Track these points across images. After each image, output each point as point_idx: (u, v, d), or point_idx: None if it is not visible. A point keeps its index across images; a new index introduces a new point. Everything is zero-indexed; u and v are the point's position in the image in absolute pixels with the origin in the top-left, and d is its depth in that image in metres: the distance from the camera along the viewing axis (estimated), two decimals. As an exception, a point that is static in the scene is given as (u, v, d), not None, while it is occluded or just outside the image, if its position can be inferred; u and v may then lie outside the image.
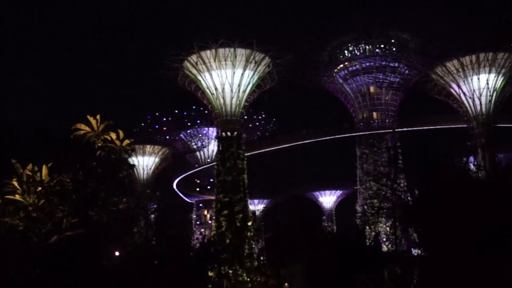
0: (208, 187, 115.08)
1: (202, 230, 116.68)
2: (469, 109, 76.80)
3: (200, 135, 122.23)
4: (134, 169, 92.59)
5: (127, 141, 15.21)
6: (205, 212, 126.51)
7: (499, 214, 28.31)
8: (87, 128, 14.84)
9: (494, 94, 75.28)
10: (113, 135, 15.02)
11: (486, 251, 26.90)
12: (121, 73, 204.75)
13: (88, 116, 14.98)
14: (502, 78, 75.06)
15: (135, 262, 25.40)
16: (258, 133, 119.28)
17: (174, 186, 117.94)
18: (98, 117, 14.97)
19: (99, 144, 14.86)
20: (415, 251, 44.47)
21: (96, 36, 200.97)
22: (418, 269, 38.41)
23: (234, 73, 71.63)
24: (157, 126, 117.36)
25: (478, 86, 75.10)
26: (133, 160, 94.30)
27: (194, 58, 71.71)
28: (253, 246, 69.61)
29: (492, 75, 74.64)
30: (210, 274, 50.75)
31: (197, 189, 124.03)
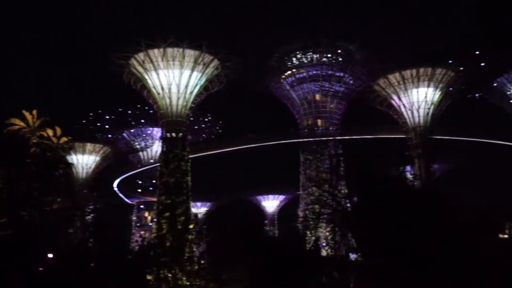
0: (150, 188, 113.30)
1: (142, 232, 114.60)
2: (408, 120, 79.67)
3: (144, 135, 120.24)
4: (73, 167, 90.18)
5: (64, 139, 14.91)
6: (146, 214, 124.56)
7: (432, 223, 29.43)
8: (22, 124, 14.42)
9: (432, 107, 78.51)
10: (50, 132, 14.67)
11: (420, 259, 27.92)
12: (62, 68, 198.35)
13: (24, 111, 14.54)
14: (439, 92, 78.41)
15: (70, 264, 24.70)
16: (204, 135, 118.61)
17: (115, 187, 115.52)
18: (34, 112, 14.58)
19: (34, 141, 14.46)
20: (353, 256, 45.55)
21: (40, 29, 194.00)
22: (355, 273, 39.37)
23: (181, 74, 71.06)
24: (99, 124, 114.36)
25: (417, 99, 78.11)
26: (72, 158, 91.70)
27: (141, 56, 70.66)
28: (194, 249, 69.10)
29: (431, 89, 77.82)
30: (149, 277, 50.04)
31: (139, 190, 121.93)
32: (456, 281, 28.42)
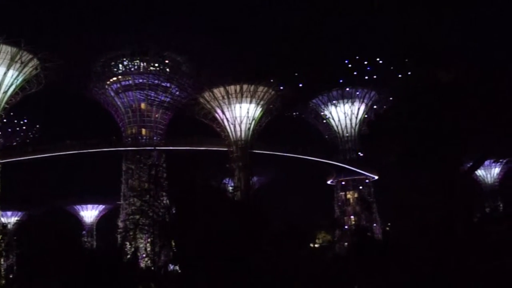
0: None
1: None
2: (230, 134, 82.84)
3: None
4: None
5: None
6: None
7: (248, 233, 30.98)
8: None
9: (253, 122, 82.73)
10: None
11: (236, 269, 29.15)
12: None
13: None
14: (260, 109, 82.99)
15: None
16: (18, 139, 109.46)
17: None
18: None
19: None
20: (172, 267, 45.72)
21: None
22: (173, 284, 39.58)
23: (-5, 71, 65.32)
24: None
25: (240, 114, 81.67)
26: None
27: None
28: (2, 262, 63.27)
29: (253, 105, 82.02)
30: None
31: None
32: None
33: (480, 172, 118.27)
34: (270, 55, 74.31)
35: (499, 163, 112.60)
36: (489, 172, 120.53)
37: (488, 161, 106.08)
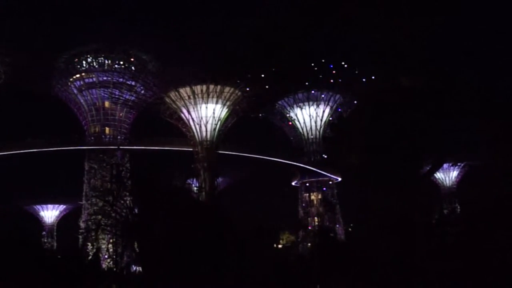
0: None
1: None
2: (196, 134, 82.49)
3: None
4: None
5: None
6: None
7: (214, 234, 31.01)
8: None
9: (219, 123, 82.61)
10: None
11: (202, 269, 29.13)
12: None
13: None
14: (226, 110, 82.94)
15: None
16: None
17: None
18: None
19: None
20: (135, 268, 45.30)
21: None
22: (136, 285, 39.28)
23: None
24: None
25: (206, 114, 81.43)
26: None
27: None
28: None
29: (219, 106, 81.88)
30: None
31: None
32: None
33: (439, 175, 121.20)
34: (237, 56, 74.34)
35: (457, 167, 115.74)
36: (448, 175, 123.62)
37: (447, 164, 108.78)
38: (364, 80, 61.79)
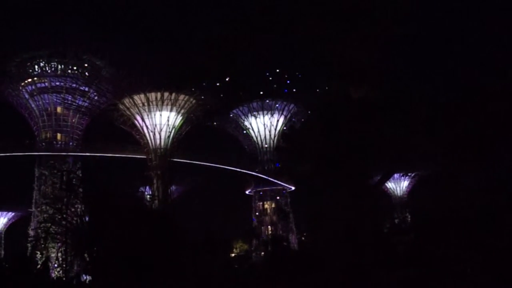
0: None
1: None
2: (149, 141, 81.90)
3: None
4: None
5: None
6: None
7: (164, 243, 30.93)
8: None
9: (173, 131, 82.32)
10: None
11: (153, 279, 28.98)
12: None
13: None
14: (181, 117, 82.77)
15: None
16: None
17: None
18: None
19: None
20: (85, 277, 44.51)
21: None
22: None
23: None
24: None
25: (160, 121, 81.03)
26: None
27: None
28: None
29: (173, 113, 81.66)
30: None
31: None
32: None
33: (390, 185, 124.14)
34: (191, 63, 74.13)
35: (407, 177, 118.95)
36: (399, 185, 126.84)
37: (398, 174, 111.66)
38: (317, 90, 63.01)
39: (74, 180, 42.65)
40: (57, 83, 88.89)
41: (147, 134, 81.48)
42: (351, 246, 24.41)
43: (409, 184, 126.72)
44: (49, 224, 41.37)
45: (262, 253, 76.87)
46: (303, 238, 74.95)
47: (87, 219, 30.44)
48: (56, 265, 64.23)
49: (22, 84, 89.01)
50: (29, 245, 71.56)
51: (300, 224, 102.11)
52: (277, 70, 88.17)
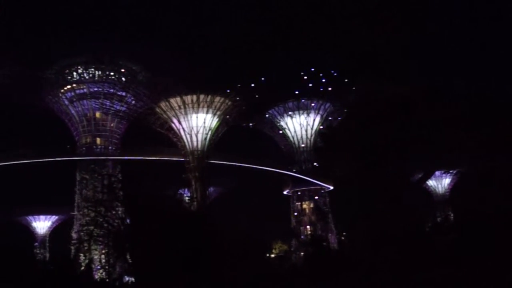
0: None
1: None
2: (187, 144, 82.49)
3: None
4: None
5: None
6: None
7: (204, 243, 31.08)
8: None
9: (210, 133, 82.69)
10: None
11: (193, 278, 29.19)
12: None
13: None
14: (217, 119, 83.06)
15: None
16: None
17: None
18: None
19: None
20: (127, 278, 45.19)
21: None
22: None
23: None
24: None
25: (196, 124, 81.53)
26: None
27: None
28: None
29: (209, 115, 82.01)
30: None
31: None
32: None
33: (431, 183, 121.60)
34: (227, 65, 74.60)
35: (449, 174, 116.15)
36: (440, 183, 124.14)
37: (439, 172, 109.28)
38: (353, 89, 62.28)
39: (114, 183, 43.42)
40: (95, 89, 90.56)
41: (184, 137, 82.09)
42: (395, 245, 24.02)
43: (451, 181, 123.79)
44: (92, 227, 42.22)
45: (302, 253, 76.50)
46: (343, 238, 74.21)
47: (128, 221, 30.86)
48: (99, 267, 65.44)
49: (62, 90, 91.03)
50: (72, 247, 73.15)
51: (339, 224, 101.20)
52: (312, 69, 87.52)
